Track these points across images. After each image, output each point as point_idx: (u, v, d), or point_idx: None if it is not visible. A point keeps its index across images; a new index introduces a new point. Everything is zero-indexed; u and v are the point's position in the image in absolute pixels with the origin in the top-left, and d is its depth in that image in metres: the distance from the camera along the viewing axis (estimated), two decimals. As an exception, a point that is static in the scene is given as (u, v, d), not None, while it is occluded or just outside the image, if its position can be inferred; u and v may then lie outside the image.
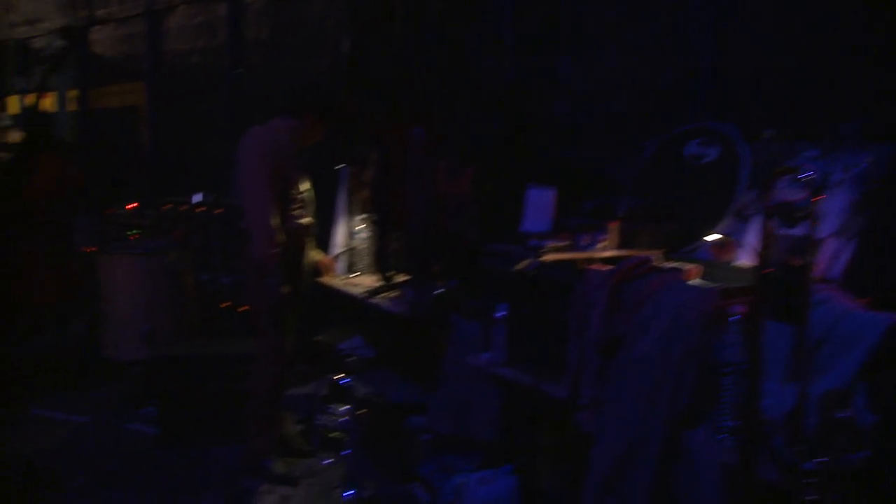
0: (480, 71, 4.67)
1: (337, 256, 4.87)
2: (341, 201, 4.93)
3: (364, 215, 4.73)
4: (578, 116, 4.26)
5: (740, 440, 2.14)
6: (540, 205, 3.52)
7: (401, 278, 4.43)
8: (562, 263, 2.94)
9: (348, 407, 4.06)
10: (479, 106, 4.63)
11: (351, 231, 4.86)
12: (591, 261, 2.95)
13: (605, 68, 4.16)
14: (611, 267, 2.70)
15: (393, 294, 4.30)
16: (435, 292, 3.96)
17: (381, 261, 4.53)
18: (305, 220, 4.00)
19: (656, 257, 2.74)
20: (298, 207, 3.93)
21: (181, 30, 7.24)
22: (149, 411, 4.81)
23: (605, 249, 3.15)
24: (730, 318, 2.27)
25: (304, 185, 4.01)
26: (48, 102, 8.12)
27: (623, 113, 4.09)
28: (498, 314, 3.04)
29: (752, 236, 3.01)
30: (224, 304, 5.50)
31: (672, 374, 2.34)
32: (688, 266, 2.64)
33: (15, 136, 7.65)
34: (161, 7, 7.33)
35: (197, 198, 5.78)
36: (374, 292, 4.31)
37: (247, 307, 4.94)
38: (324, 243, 5.00)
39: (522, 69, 4.49)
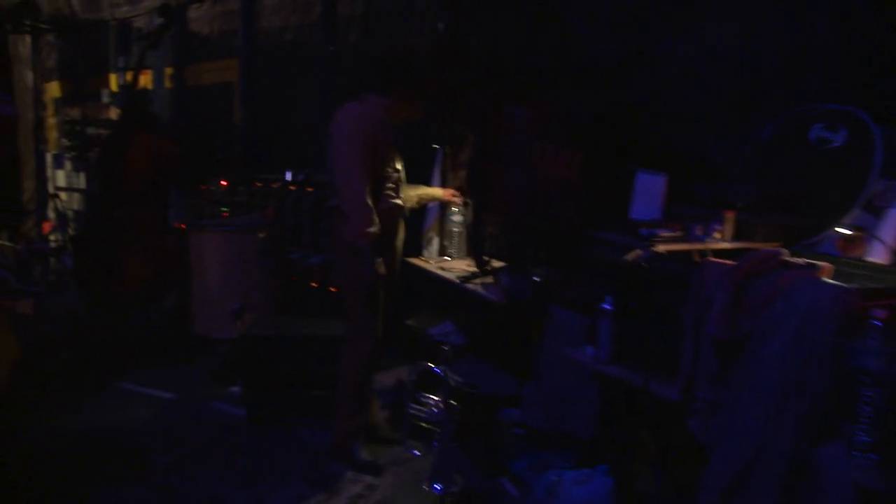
0: (583, 48, 4.44)
1: (429, 237, 4.75)
2: (435, 182, 4.79)
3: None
4: (688, 96, 4.00)
5: (886, 461, 1.90)
6: (649, 191, 3.30)
7: (496, 264, 4.27)
8: (676, 255, 2.73)
9: (439, 396, 3.94)
10: (581, 85, 4.40)
11: (444, 213, 4.71)
12: (706, 252, 2.73)
13: (715, 43, 3.88)
14: (730, 260, 2.48)
15: (488, 280, 4.14)
16: (532, 280, 3.79)
17: (477, 245, 4.37)
18: (399, 200, 3.86)
19: (785, 251, 2.50)
20: (392, 187, 3.80)
21: (276, 6, 7.21)
22: (236, 390, 4.79)
23: (721, 241, 2.92)
24: (871, 322, 2.03)
25: (398, 165, 3.88)
26: (145, 80, 8.23)
27: (736, 92, 3.82)
28: (604, 306, 2.84)
29: (887, 230, 2.75)
30: (314, 284, 5.44)
31: (802, 381, 2.12)
32: (820, 262, 2.40)
33: (114, 113, 7.80)
34: (257, -16, 7.31)
35: (289, 175, 5.73)
36: (469, 277, 4.15)
37: (337, 287, 4.87)
38: (416, 225, 4.89)
39: (627, 46, 4.25)
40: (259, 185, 5.95)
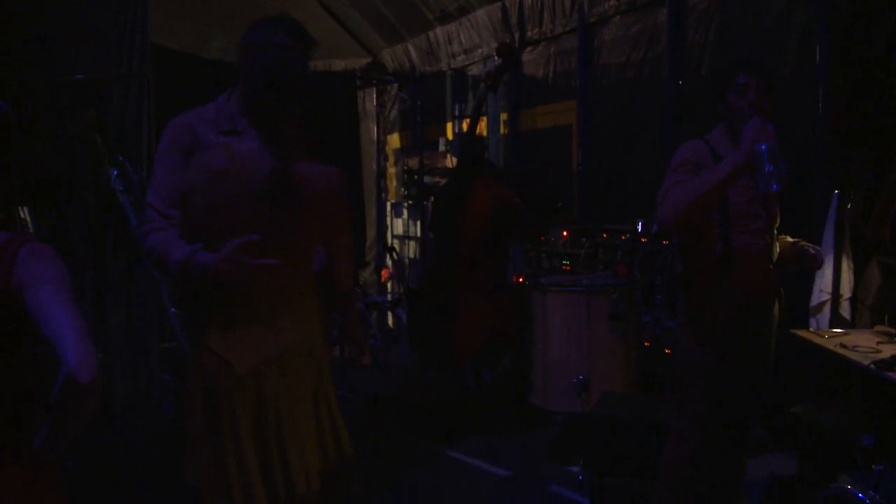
0: None
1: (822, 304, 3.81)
2: (829, 234, 3.84)
3: (870, 255, 3.59)
4: None
5: None
6: None
7: (924, 344, 3.23)
8: None
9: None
10: None
11: (841, 274, 3.75)
12: None
13: None
14: None
15: (917, 366, 3.12)
16: None
17: (898, 319, 3.34)
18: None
19: None
20: (758, 231, 3.00)
21: (616, 42, 6.66)
22: (576, 471, 4.18)
23: None
24: None
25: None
26: (481, 126, 8.07)
27: None
28: None
29: None
30: (668, 351, 4.68)
31: None
32: None
33: (450, 161, 7.72)
34: (595, 20, 6.82)
35: (640, 226, 5.04)
36: (889, 363, 3.15)
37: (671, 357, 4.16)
38: (805, 287, 4.00)
39: None
40: (605, 236, 5.33)
